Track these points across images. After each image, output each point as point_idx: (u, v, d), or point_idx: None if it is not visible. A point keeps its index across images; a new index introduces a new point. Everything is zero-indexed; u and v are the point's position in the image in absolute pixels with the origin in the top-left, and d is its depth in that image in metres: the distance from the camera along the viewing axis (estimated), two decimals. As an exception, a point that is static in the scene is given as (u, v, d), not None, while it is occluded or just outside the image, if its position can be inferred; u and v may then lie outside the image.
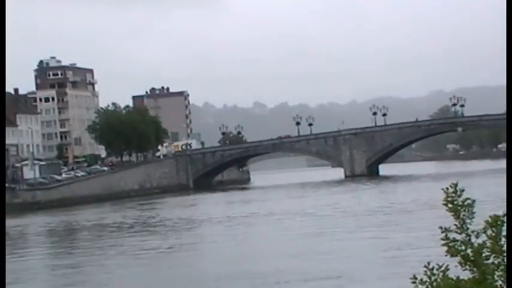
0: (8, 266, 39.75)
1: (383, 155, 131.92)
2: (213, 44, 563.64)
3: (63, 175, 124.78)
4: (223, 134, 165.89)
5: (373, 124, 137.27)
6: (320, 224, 49.51)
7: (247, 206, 75.20)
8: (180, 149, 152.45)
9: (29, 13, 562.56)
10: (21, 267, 38.98)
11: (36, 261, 42.07)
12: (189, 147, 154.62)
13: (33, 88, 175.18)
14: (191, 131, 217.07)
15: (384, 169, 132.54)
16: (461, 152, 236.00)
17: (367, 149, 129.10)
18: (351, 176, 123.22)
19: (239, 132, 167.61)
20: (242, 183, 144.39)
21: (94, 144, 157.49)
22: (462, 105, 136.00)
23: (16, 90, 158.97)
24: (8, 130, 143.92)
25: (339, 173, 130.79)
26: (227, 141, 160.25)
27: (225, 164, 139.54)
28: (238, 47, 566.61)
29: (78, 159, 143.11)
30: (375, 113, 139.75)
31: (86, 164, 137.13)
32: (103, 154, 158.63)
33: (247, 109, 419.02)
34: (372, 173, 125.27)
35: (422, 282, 6.34)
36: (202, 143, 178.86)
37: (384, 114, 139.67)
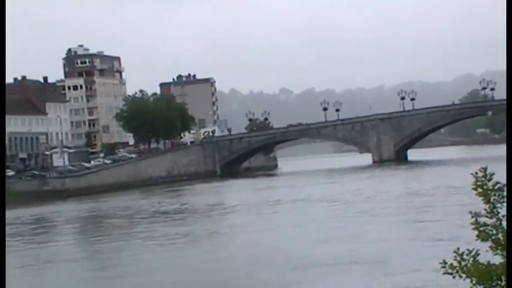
0: (42, 253, 40.20)
1: (411, 140, 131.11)
2: (239, 31, 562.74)
3: (92, 162, 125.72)
4: (250, 120, 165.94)
5: (401, 109, 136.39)
6: (348, 209, 49.39)
7: (274, 192, 75.22)
8: (202, 136, 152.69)
9: (57, 3, 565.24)
10: (54, 254, 39.37)
11: (68, 248, 42.46)
12: (211, 134, 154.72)
13: (62, 76, 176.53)
14: (218, 117, 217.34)
15: (413, 154, 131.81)
16: (496, 136, 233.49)
17: (394, 134, 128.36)
18: (379, 162, 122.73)
19: (266, 119, 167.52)
20: (269, 169, 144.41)
21: (122, 132, 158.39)
22: (492, 89, 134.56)
23: (45, 78, 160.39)
24: (38, 118, 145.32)
25: (366, 158, 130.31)
26: (254, 128, 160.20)
27: (252, 150, 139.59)
28: (264, 34, 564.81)
29: (94, 150, 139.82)
30: (403, 98, 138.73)
31: (102, 155, 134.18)
32: (131, 142, 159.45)
33: (273, 95, 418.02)
34: (400, 159, 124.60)
35: (452, 267, 6.27)
36: (229, 130, 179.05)
37: (412, 99, 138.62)
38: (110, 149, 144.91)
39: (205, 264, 31.00)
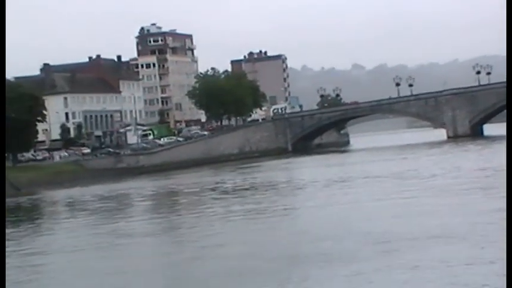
0: (118, 228, 40.98)
1: (487, 115, 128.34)
2: (310, 8, 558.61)
3: (165, 140, 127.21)
4: (321, 96, 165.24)
5: (476, 83, 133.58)
6: (423, 185, 48.65)
7: (346, 169, 74.76)
8: (271, 113, 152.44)
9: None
10: (129, 229, 40.07)
11: (144, 223, 43.16)
12: (282, 110, 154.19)
13: (135, 55, 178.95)
14: (289, 94, 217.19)
15: (489, 129, 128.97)
16: None
17: (470, 109, 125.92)
18: (454, 137, 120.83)
19: (337, 95, 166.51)
20: (341, 145, 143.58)
21: (194, 109, 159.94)
22: None
23: (119, 57, 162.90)
24: (112, 96, 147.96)
25: (440, 134, 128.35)
26: (325, 104, 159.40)
27: (323, 127, 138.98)
28: (335, 10, 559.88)
29: (145, 132, 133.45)
30: (478, 72, 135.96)
31: (151, 137, 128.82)
32: (203, 119, 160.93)
33: (345, 71, 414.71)
34: (475, 134, 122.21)
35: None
36: (301, 106, 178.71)
37: (488, 73, 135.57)
38: (165, 131, 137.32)
39: (281, 238, 31.01)
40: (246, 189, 60.12)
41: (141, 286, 24.24)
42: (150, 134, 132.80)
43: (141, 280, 24.89)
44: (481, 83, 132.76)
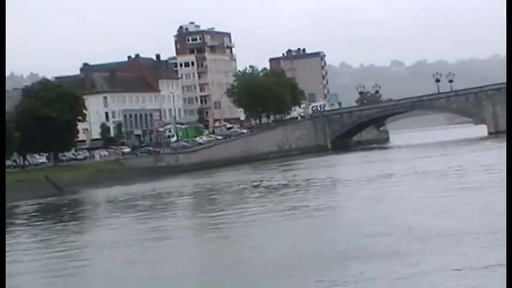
0: (160, 226, 41.25)
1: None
2: (348, 4, 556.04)
3: (204, 138, 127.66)
4: (360, 93, 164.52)
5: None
6: (465, 182, 48.15)
7: (387, 166, 74.31)
8: (310, 110, 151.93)
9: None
10: (170, 228, 40.31)
11: (184, 222, 43.39)
12: (321, 108, 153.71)
13: (174, 53, 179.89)
14: (328, 91, 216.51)
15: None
16: None
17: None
18: (495, 133, 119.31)
19: (377, 92, 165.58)
20: (381, 142, 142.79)
21: (233, 108, 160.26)
22: None
23: (158, 56, 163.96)
24: (151, 95, 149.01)
25: (481, 130, 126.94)
26: (364, 101, 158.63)
27: (362, 124, 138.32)
28: (374, 6, 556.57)
29: (169, 134, 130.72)
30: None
31: (174, 140, 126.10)
32: (242, 117, 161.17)
33: (384, 68, 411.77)
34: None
35: None
36: (340, 104, 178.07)
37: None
38: (193, 132, 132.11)
39: (323, 237, 30.93)
40: (287, 186, 60.10)
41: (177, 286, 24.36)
42: (173, 135, 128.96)
43: (178, 281, 24.98)
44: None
